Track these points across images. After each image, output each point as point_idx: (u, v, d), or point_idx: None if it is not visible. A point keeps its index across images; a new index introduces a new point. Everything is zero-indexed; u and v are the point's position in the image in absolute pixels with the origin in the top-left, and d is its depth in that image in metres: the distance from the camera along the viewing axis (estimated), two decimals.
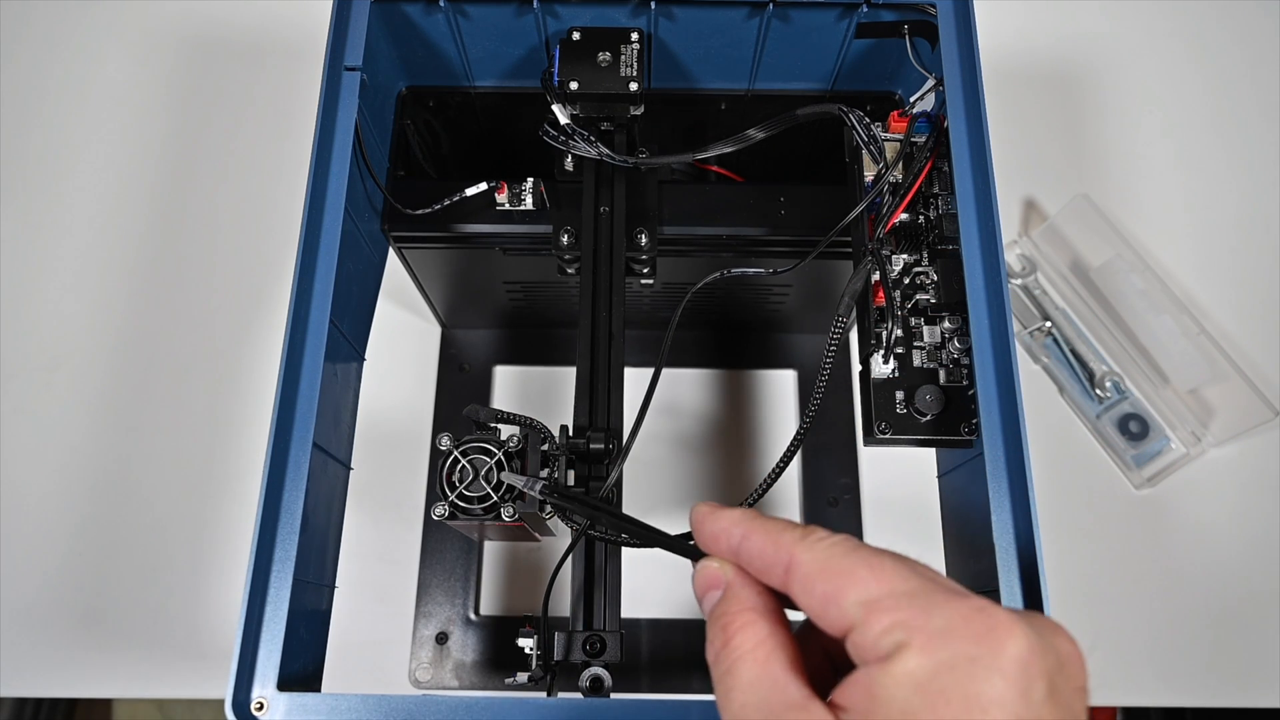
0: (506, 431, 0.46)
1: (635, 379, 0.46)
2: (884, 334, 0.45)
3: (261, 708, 0.38)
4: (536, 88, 0.52)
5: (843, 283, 0.45)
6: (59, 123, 0.81)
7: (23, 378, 0.72)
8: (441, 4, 0.51)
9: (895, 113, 0.50)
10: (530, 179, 0.51)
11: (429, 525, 0.68)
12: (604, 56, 0.50)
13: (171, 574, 0.67)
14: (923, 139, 0.48)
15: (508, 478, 0.43)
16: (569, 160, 0.52)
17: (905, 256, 0.47)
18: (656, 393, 0.45)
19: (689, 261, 0.55)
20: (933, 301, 0.47)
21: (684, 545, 0.36)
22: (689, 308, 0.68)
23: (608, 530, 0.42)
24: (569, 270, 0.51)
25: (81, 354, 0.73)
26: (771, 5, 0.51)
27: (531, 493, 0.42)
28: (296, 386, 0.43)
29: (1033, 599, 0.41)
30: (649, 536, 0.37)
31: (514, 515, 0.43)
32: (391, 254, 0.55)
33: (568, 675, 0.43)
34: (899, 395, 0.45)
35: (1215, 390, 0.69)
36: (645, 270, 0.52)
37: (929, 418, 0.45)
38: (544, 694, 0.43)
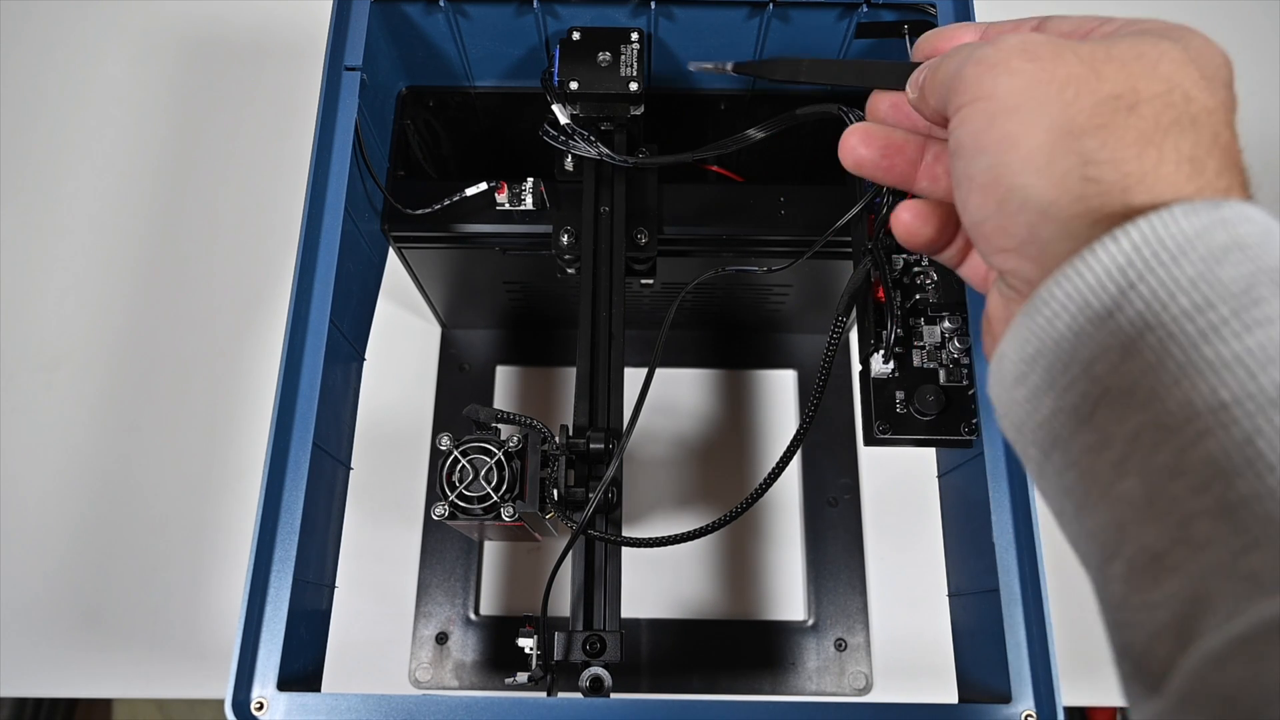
0: (506, 431, 0.46)
1: (635, 379, 0.46)
2: (884, 334, 0.45)
3: (261, 707, 0.38)
4: (536, 88, 0.52)
5: (843, 282, 0.45)
6: (59, 123, 0.81)
7: (23, 378, 0.72)
8: (441, 4, 0.51)
9: None
10: (530, 179, 0.51)
11: (429, 525, 0.68)
12: (604, 56, 0.50)
13: (171, 574, 0.67)
14: None
15: None
16: (569, 160, 0.52)
17: (905, 256, 0.47)
18: (656, 393, 0.45)
19: (689, 262, 0.55)
20: (933, 301, 0.47)
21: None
22: (689, 307, 0.68)
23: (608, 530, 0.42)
24: (569, 270, 0.51)
25: (81, 354, 0.73)
26: (771, 5, 0.51)
27: None
28: (296, 386, 0.43)
29: (1033, 598, 0.41)
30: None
31: (514, 515, 0.43)
32: (391, 254, 0.55)
33: (568, 675, 0.43)
34: (899, 395, 0.45)
35: None
36: (645, 269, 0.52)
37: (929, 418, 0.45)
38: (544, 694, 0.43)
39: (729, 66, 0.42)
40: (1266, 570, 0.19)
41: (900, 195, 0.46)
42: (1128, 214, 0.24)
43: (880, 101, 0.35)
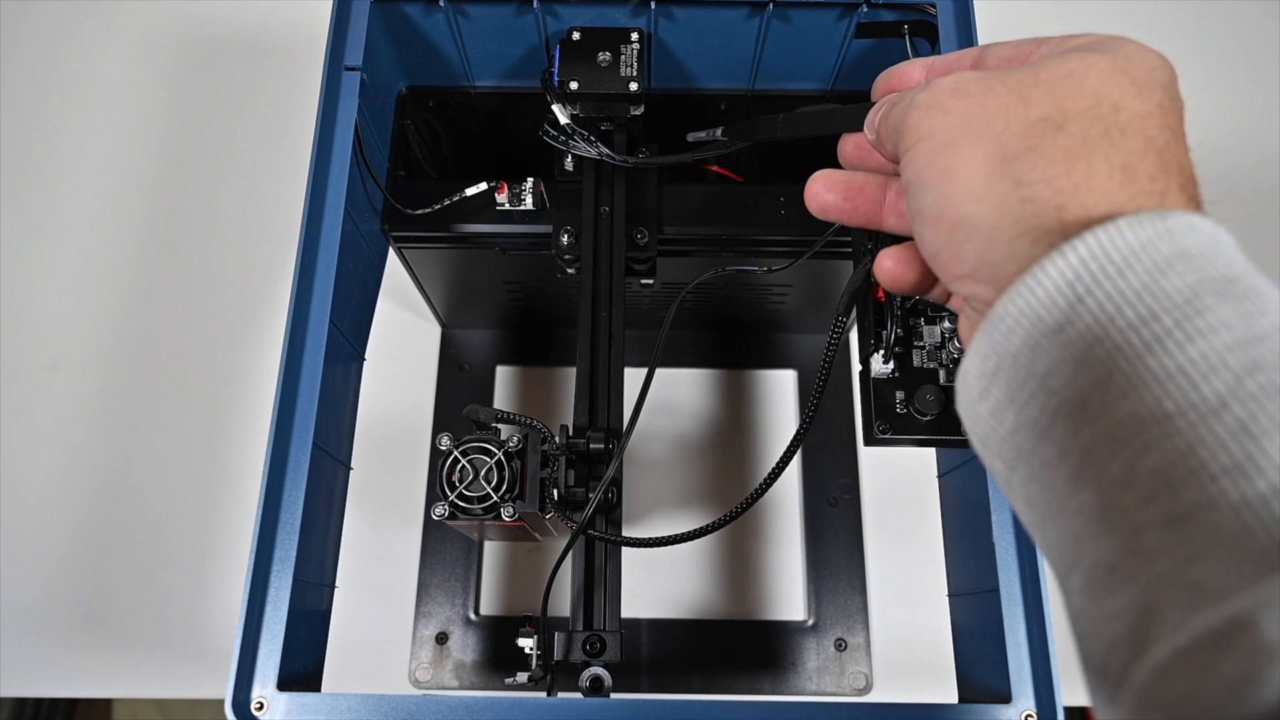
0: (506, 431, 0.46)
1: (635, 379, 0.46)
2: (884, 334, 0.45)
3: (261, 708, 0.38)
4: (536, 88, 0.52)
5: (842, 282, 0.45)
6: (59, 123, 0.81)
7: (23, 378, 0.72)
8: (441, 4, 0.51)
9: None
10: (530, 179, 0.51)
11: (429, 525, 0.68)
12: (604, 56, 0.50)
13: (171, 574, 0.67)
14: None
15: None
16: (569, 160, 0.52)
17: None
18: (656, 393, 0.45)
19: (689, 262, 0.55)
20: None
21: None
22: (689, 307, 0.68)
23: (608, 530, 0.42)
24: (569, 270, 0.51)
25: (81, 354, 0.73)
26: (771, 5, 0.51)
27: None
28: (296, 386, 0.43)
29: (1033, 598, 0.41)
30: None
31: (514, 515, 0.43)
32: (391, 254, 0.55)
33: (568, 675, 0.43)
34: (899, 395, 0.45)
35: None
36: (645, 269, 0.52)
37: (929, 418, 0.45)
38: (544, 694, 0.43)
39: (719, 133, 0.45)
40: (1210, 580, 0.19)
41: None
42: (1064, 230, 0.24)
43: (846, 144, 0.36)
